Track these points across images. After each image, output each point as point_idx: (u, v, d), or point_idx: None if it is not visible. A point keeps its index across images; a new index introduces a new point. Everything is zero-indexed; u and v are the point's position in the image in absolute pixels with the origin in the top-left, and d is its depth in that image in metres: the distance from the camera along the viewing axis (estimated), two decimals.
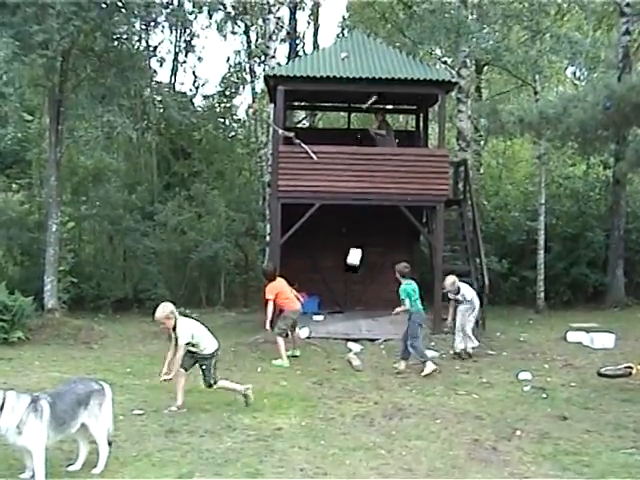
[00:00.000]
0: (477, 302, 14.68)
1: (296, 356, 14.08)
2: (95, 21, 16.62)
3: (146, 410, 9.80)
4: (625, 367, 11.70)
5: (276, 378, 12.19)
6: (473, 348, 14.37)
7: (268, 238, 21.71)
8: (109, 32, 18.00)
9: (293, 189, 16.42)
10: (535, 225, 22.87)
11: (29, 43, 15.72)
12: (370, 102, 17.40)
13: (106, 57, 18.44)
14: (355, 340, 15.20)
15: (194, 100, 29.94)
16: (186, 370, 10.07)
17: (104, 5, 17.15)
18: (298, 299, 14.40)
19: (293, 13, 30.24)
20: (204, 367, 10.08)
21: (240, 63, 31.08)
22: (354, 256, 16.63)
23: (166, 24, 20.40)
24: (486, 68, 28.51)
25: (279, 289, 14.17)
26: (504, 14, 23.92)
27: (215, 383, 10.13)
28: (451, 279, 14.47)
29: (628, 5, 22.36)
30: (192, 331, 9.89)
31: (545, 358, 14.31)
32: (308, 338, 15.51)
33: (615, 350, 14.87)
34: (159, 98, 27.00)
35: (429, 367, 12.72)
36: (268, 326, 13.89)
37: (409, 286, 13.20)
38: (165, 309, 9.74)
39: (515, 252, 23.75)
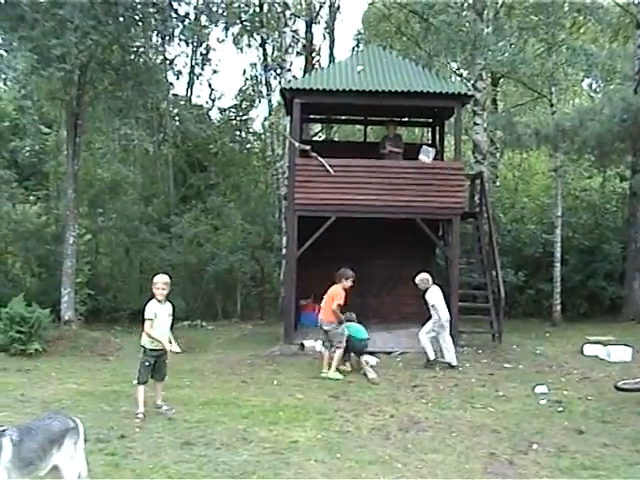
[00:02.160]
0: (441, 313, 14.44)
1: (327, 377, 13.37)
2: (113, 35, 16.80)
3: (162, 422, 9.81)
4: None
5: (292, 391, 12.17)
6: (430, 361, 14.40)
7: (284, 251, 21.75)
8: (126, 46, 18.20)
9: (309, 202, 16.43)
10: (551, 238, 22.83)
11: (47, 57, 15.88)
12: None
13: (123, 70, 18.61)
14: (371, 353, 15.13)
15: (210, 113, 30.17)
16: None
17: (121, 19, 17.32)
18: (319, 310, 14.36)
19: (309, 26, 30.41)
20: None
21: (256, 76, 31.26)
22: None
23: (182, 37, 20.52)
24: (502, 80, 28.53)
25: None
26: (520, 27, 23.98)
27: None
28: (421, 276, 14.67)
29: None
30: None
31: (562, 371, 14.21)
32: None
33: (632, 363, 14.73)
34: (176, 111, 27.18)
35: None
36: None
37: None
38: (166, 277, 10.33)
39: (531, 265, 23.71)
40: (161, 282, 10.20)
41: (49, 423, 6.30)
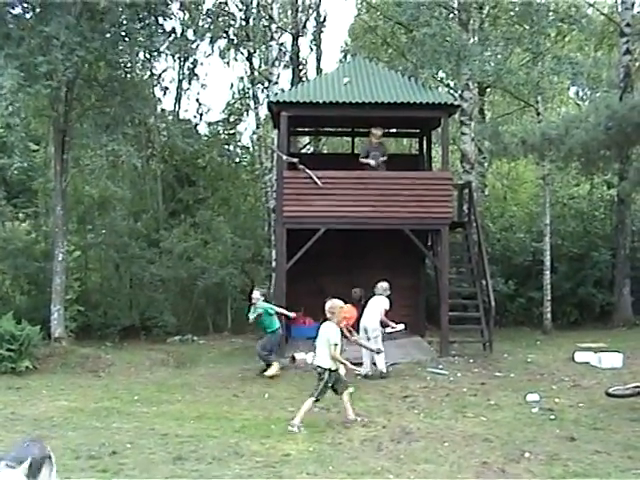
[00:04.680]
0: None
1: None
2: (99, 51, 16.79)
3: (154, 438, 9.78)
4: (634, 387, 11.64)
5: (283, 404, 12.16)
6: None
7: (274, 264, 21.71)
8: (113, 62, 18.19)
9: (298, 214, 16.46)
10: (541, 246, 22.85)
11: (34, 74, 15.87)
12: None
13: (110, 86, 18.60)
14: (361, 364, 15.13)
15: (198, 127, 30.07)
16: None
17: (107, 35, 17.34)
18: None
19: (295, 39, 30.43)
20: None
21: (243, 89, 31.23)
22: None
23: (169, 52, 20.52)
24: (489, 90, 28.60)
25: None
26: (505, 37, 24.05)
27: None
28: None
29: (628, 25, 22.53)
30: None
31: (553, 379, 14.24)
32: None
33: (623, 370, 14.76)
34: (163, 126, 27.13)
35: (275, 368, 14.65)
36: None
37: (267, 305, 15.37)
38: None
39: (521, 273, 23.73)
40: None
41: (30, 450, 5.87)
